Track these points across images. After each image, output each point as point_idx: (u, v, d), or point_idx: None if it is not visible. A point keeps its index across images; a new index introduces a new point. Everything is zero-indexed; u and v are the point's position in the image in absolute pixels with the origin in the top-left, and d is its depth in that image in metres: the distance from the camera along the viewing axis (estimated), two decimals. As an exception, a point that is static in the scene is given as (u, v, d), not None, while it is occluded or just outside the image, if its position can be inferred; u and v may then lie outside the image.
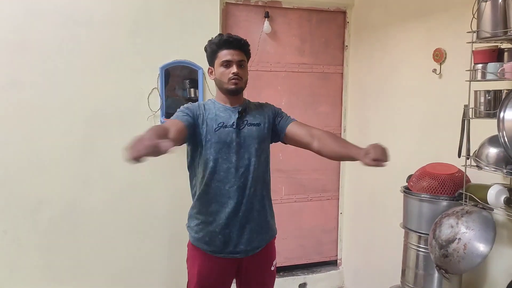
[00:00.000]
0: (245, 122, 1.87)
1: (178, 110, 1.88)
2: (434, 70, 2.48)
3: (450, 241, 1.81)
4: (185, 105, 1.91)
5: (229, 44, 1.82)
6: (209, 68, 1.91)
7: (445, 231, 1.84)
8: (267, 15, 3.18)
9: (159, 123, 2.92)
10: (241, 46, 1.85)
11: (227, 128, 1.84)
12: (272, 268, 2.02)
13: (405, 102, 2.80)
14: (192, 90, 3.02)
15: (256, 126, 1.88)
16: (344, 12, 3.41)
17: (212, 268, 1.91)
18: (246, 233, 1.86)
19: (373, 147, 1.63)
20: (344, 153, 1.84)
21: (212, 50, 1.85)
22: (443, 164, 2.22)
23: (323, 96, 3.44)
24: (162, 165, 2.97)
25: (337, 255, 3.63)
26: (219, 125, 1.84)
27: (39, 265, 2.81)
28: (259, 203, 1.91)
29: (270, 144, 2.02)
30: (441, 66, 2.46)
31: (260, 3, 3.19)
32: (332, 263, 3.64)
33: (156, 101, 2.95)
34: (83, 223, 2.87)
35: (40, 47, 2.70)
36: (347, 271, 3.57)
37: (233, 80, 1.84)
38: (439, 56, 2.45)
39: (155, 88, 2.94)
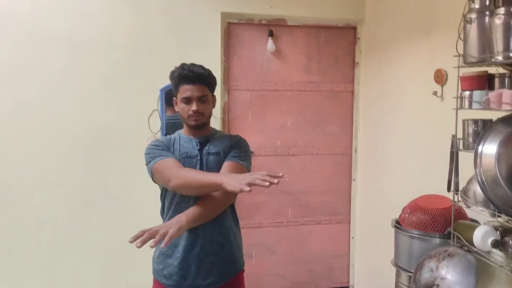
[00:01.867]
0: (205, 151, 1.81)
1: (153, 149, 1.82)
2: (435, 93, 2.30)
3: (429, 286, 1.64)
4: (155, 143, 1.86)
5: (189, 79, 1.75)
6: (173, 99, 1.86)
7: (425, 275, 1.68)
8: (271, 34, 3.11)
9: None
10: (201, 81, 1.77)
11: (191, 159, 1.79)
12: None
13: (410, 124, 2.62)
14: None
15: (214, 156, 1.81)
16: (355, 28, 3.27)
17: None
18: (204, 267, 1.78)
19: None
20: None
21: (174, 83, 1.80)
22: (438, 197, 2.04)
23: (332, 115, 3.31)
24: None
25: (349, 281, 3.46)
26: (183, 155, 1.80)
27: (43, 283, 2.90)
28: (221, 235, 1.82)
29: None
30: (443, 88, 2.28)
31: (263, 22, 3.13)
32: (343, 290, 3.48)
33: (156, 123, 2.96)
34: (85, 243, 2.93)
35: (42, 71, 2.80)
36: (359, 299, 3.39)
37: (193, 117, 1.78)
38: (440, 78, 2.27)
39: (155, 109, 2.95)
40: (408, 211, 2.03)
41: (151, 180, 1.83)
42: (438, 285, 1.60)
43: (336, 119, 3.32)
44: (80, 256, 2.93)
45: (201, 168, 1.79)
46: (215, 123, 2.81)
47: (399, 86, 2.74)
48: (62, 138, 2.86)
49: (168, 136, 1.90)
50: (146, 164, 1.83)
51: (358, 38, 3.27)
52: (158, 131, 2.96)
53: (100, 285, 2.97)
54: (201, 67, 1.80)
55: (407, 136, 2.65)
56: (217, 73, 2.78)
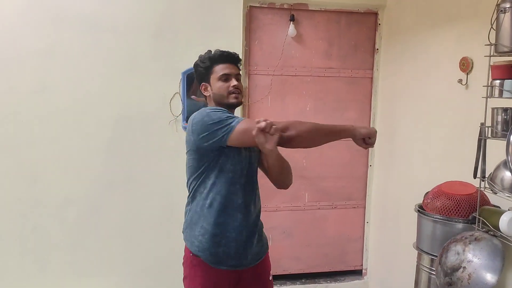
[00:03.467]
0: None
1: (217, 112, 1.73)
2: (460, 80, 2.31)
3: (455, 269, 1.69)
4: (210, 110, 1.76)
5: (224, 59, 1.80)
6: (202, 85, 1.86)
7: (451, 258, 1.73)
8: (292, 18, 3.12)
9: (180, 128, 2.97)
10: (235, 60, 1.83)
11: None
12: (270, 278, 2.00)
13: (432, 112, 2.64)
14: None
15: None
16: (376, 14, 3.27)
17: (215, 282, 1.87)
18: (247, 247, 1.83)
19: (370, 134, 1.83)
20: None
21: (206, 66, 1.82)
22: (462, 183, 2.08)
23: (351, 101, 3.33)
24: (184, 171, 3.01)
25: (362, 265, 3.52)
26: None
27: (66, 261, 2.97)
28: (257, 217, 1.89)
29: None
30: (468, 76, 2.30)
31: (285, 6, 3.13)
32: (356, 273, 3.54)
33: (178, 106, 2.99)
34: (107, 222, 2.99)
35: (67, 53, 2.82)
36: (372, 281, 3.46)
37: (234, 94, 1.81)
38: (466, 66, 2.28)
39: (177, 93, 2.98)
40: (432, 196, 2.07)
41: (221, 143, 1.70)
42: (464, 267, 1.65)
43: (355, 105, 3.34)
44: (101, 235, 2.99)
45: (245, 151, 1.82)
46: (237, 107, 2.84)
47: (422, 73, 2.75)
48: (86, 119, 2.89)
49: None
50: (220, 127, 1.68)
51: (379, 24, 3.26)
52: (180, 114, 2.99)
53: (121, 264, 3.04)
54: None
55: (428, 122, 2.68)
56: (239, 57, 2.80)
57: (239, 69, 1.87)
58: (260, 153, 1.88)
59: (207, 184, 1.79)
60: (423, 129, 2.74)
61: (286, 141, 1.69)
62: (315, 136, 1.75)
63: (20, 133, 2.82)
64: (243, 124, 1.69)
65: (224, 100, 1.82)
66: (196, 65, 1.88)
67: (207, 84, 1.84)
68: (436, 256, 2.01)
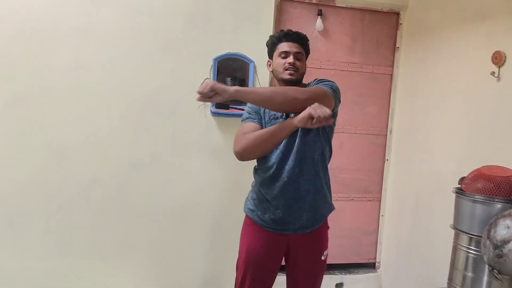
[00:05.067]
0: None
1: (245, 113, 2.02)
2: (493, 73, 2.44)
3: (506, 241, 1.77)
4: (246, 110, 2.03)
5: (289, 37, 1.95)
6: (268, 61, 2.03)
7: (501, 232, 1.81)
8: (320, 13, 3.21)
9: (209, 114, 3.00)
10: (299, 40, 1.96)
11: (276, 120, 1.89)
12: (323, 258, 2.04)
13: (458, 106, 2.76)
14: (242, 82, 3.08)
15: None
16: (398, 14, 3.40)
17: (261, 243, 1.95)
18: (293, 212, 1.89)
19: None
20: None
21: (273, 42, 1.98)
22: (499, 167, 2.17)
23: (371, 96, 3.43)
24: (210, 156, 3.05)
25: (375, 258, 3.60)
26: (271, 117, 1.91)
27: (88, 241, 2.94)
28: (308, 183, 1.93)
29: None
30: (500, 69, 2.42)
31: (314, 1, 3.23)
32: (370, 266, 3.61)
33: (208, 92, 3.01)
34: (131, 204, 2.98)
35: (102, 34, 2.83)
36: (385, 275, 3.53)
37: (288, 71, 1.89)
38: (499, 59, 2.41)
39: (207, 78, 3.01)
40: (471, 178, 2.16)
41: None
42: (516, 239, 1.73)
43: (374, 101, 3.45)
44: (126, 217, 2.98)
45: None
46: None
47: (446, 69, 2.87)
48: (116, 100, 2.90)
49: None
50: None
51: (401, 24, 3.39)
52: (214, 101, 3.02)
53: (144, 247, 3.02)
54: (298, 31, 1.99)
55: (454, 116, 2.79)
56: (272, 46, 2.86)
57: (305, 50, 1.95)
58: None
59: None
60: (448, 123, 2.85)
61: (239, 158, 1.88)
62: (260, 143, 1.84)
63: (51, 110, 2.80)
64: (239, 129, 1.95)
65: (279, 75, 1.93)
66: (266, 43, 2.04)
67: (271, 60, 1.94)
68: (475, 235, 2.10)
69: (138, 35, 2.89)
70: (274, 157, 1.89)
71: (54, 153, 2.82)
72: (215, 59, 3.00)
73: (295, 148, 1.90)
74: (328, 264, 3.47)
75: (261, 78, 3.04)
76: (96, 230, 2.94)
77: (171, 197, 3.04)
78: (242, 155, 1.84)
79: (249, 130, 1.88)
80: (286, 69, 1.91)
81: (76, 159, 2.87)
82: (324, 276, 3.42)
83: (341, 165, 3.42)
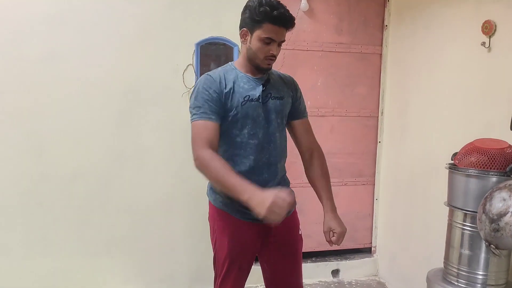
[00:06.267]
0: (269, 95, 1.77)
1: (200, 93, 1.70)
2: (483, 43, 2.35)
3: (502, 214, 1.70)
4: (201, 89, 1.71)
5: (279, 21, 1.66)
6: (243, 30, 1.73)
7: (497, 205, 1.73)
8: (305, -8, 3.11)
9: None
10: (288, 26, 1.70)
11: (253, 102, 1.74)
12: (300, 232, 1.98)
13: (450, 80, 2.67)
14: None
15: (279, 100, 1.80)
16: (384, -11, 3.30)
17: (244, 235, 1.83)
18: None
19: (339, 234, 1.90)
20: (317, 192, 2.02)
21: (256, 18, 1.67)
22: (493, 140, 2.09)
23: (361, 77, 3.34)
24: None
25: (371, 243, 3.52)
26: (245, 98, 1.72)
27: (73, 238, 2.84)
28: (281, 178, 1.90)
29: None
30: (490, 39, 2.33)
31: (297, -20, 3.12)
32: (366, 251, 3.54)
33: (191, 78, 2.92)
34: (116, 198, 2.89)
35: (77, 21, 2.73)
36: (381, 259, 3.46)
37: (269, 61, 1.74)
38: (489, 29, 2.31)
39: (190, 64, 2.92)
40: (464, 152, 2.08)
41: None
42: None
43: (364, 81, 3.35)
44: (110, 212, 2.89)
45: (263, 113, 1.76)
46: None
47: (436, 43, 2.78)
48: (95, 90, 2.79)
49: (222, 70, 1.78)
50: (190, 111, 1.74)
51: (388, 1, 3.29)
52: (193, 87, 2.92)
53: (130, 240, 2.93)
54: (288, 11, 1.70)
55: (445, 91, 2.70)
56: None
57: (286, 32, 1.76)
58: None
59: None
60: (440, 98, 2.76)
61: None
62: (214, 179, 1.70)
63: (27, 102, 2.70)
64: (192, 124, 1.70)
65: (256, 61, 1.72)
66: (248, 7, 1.71)
67: (248, 33, 1.74)
68: (470, 211, 2.02)
69: (116, 21, 2.78)
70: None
71: (31, 148, 2.72)
72: (197, 44, 2.90)
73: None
74: (323, 251, 3.44)
75: (246, 62, 2.94)
76: (80, 226, 2.84)
77: (156, 189, 2.95)
78: (197, 169, 1.69)
79: (208, 134, 1.65)
80: (267, 59, 1.74)
81: (55, 154, 2.76)
82: (319, 263, 3.39)
83: (333, 149, 3.33)
